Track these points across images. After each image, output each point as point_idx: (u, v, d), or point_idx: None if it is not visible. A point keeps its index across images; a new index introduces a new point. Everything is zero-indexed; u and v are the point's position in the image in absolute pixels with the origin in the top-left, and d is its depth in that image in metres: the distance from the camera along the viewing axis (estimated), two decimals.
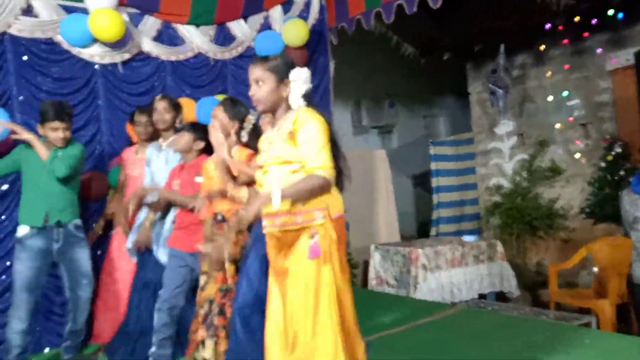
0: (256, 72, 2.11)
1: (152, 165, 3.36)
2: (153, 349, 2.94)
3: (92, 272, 3.28)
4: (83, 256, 3.24)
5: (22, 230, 3.11)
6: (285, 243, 2.06)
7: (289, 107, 2.14)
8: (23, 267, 3.06)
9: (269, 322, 2.09)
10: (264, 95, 2.11)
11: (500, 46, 5.80)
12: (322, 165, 2.00)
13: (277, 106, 2.14)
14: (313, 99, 2.21)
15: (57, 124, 3.11)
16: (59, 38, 3.80)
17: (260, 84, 2.10)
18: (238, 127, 2.75)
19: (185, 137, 3.06)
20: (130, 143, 3.77)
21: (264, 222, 2.11)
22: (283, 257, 2.07)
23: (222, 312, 2.71)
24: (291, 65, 2.13)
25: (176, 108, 3.44)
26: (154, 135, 3.54)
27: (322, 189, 2.01)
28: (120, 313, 3.45)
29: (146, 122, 3.54)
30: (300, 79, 2.12)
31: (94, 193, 3.81)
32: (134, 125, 3.63)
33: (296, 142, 2.04)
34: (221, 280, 2.70)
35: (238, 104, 2.84)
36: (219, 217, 2.73)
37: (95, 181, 3.81)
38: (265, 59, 2.13)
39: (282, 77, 2.11)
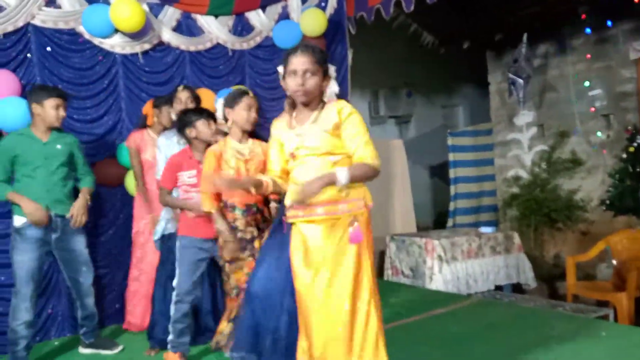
0: (306, 63, 2.08)
1: (162, 153, 3.36)
2: (171, 336, 2.99)
3: (90, 258, 3.29)
4: (81, 246, 3.24)
5: (20, 220, 3.03)
6: (327, 231, 2.11)
7: (321, 101, 2.18)
8: (25, 258, 3.01)
9: (306, 308, 2.10)
10: (314, 87, 2.11)
11: (523, 35, 5.71)
12: (372, 155, 2.08)
13: (315, 99, 2.16)
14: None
15: (59, 101, 3.09)
16: (80, 29, 3.86)
17: (309, 76, 2.09)
18: None
19: (213, 127, 3.09)
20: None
21: (301, 212, 2.13)
22: (323, 245, 2.10)
23: None
24: (327, 62, 2.22)
25: (197, 100, 3.47)
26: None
27: (371, 177, 2.10)
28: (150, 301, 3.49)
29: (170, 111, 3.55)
30: (333, 75, 2.21)
31: (108, 180, 3.87)
32: (160, 112, 3.60)
33: (340, 133, 2.10)
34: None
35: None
36: (254, 209, 2.86)
37: (111, 169, 3.87)
38: (313, 50, 2.12)
39: (325, 71, 2.17)
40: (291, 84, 2.10)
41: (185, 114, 3.10)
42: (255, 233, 2.86)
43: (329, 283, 2.07)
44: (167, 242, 3.29)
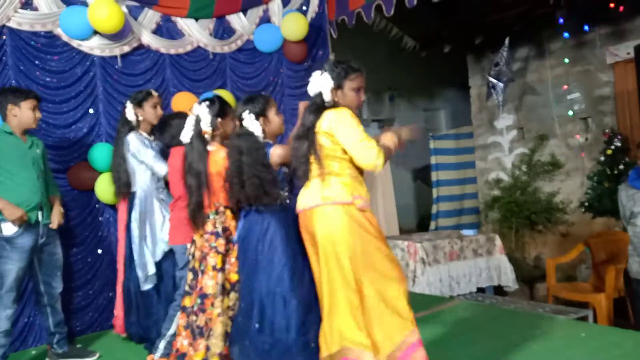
0: (364, 81, 2.33)
1: (139, 157, 3.33)
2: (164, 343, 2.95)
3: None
4: (59, 249, 3.23)
5: (9, 228, 2.95)
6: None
7: None
8: (14, 267, 2.96)
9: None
10: None
11: (505, 39, 5.78)
12: None
13: None
14: None
15: (36, 102, 3.06)
16: (58, 31, 3.80)
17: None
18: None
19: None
20: None
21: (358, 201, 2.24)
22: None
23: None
24: None
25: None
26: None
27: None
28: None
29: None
30: None
31: (84, 184, 3.81)
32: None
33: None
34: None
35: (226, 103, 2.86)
36: None
37: (87, 173, 3.81)
38: None
39: None
40: (358, 99, 2.34)
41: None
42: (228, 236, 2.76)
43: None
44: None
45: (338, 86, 2.27)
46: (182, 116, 3.09)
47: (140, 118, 3.42)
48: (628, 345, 3.00)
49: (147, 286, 3.28)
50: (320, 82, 2.28)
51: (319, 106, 2.29)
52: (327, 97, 2.27)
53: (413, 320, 2.24)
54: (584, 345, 3.06)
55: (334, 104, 2.28)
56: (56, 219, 3.17)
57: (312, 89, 2.30)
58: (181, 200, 2.89)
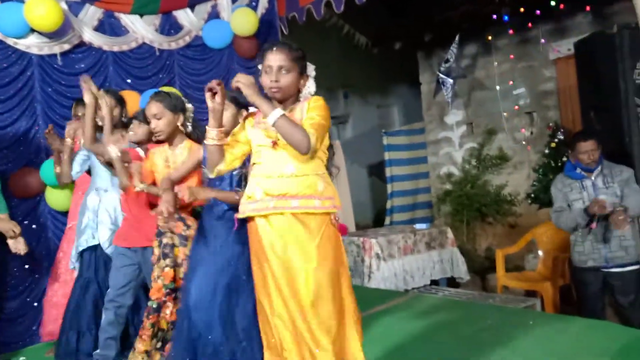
0: (281, 59, 2.03)
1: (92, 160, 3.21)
2: (97, 350, 2.86)
3: None
4: None
5: None
6: (309, 226, 2.03)
7: (297, 100, 2.13)
8: None
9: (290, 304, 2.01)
10: (288, 85, 2.05)
11: (456, 36, 5.89)
12: (313, 132, 1.97)
13: (290, 97, 2.11)
14: None
15: None
16: None
17: (284, 73, 2.03)
18: (183, 119, 2.71)
19: (144, 128, 2.95)
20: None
21: (275, 203, 2.02)
22: (307, 241, 2.02)
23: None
24: (306, 60, 2.15)
25: (121, 102, 3.32)
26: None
27: (297, 142, 1.96)
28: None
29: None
30: (312, 75, 2.18)
31: (27, 191, 3.65)
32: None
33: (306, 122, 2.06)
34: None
35: (173, 96, 2.78)
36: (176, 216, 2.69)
37: (29, 178, 3.65)
38: (289, 47, 2.07)
39: (303, 70, 2.11)
40: (265, 80, 2.05)
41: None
42: (176, 241, 2.72)
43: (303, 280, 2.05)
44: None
45: (260, 69, 2.10)
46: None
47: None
48: (573, 331, 3.11)
49: None
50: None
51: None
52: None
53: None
54: (531, 333, 3.15)
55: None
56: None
57: None
58: None
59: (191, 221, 2.71)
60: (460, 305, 4.12)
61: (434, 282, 5.18)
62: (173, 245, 2.69)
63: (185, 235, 2.68)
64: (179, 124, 2.72)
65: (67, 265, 3.47)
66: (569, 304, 4.48)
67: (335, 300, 2.04)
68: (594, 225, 3.25)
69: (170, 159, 2.75)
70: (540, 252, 4.87)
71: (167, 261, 2.67)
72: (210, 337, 2.30)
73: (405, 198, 7.00)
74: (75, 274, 3.30)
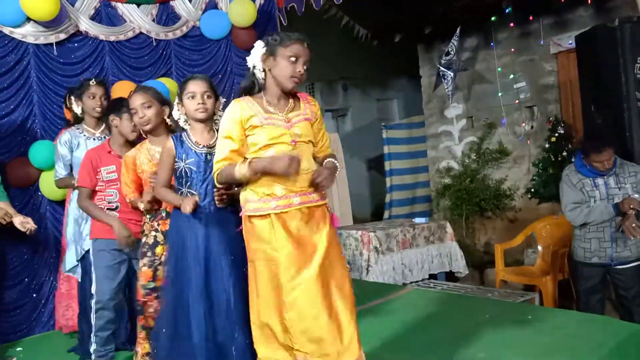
0: (308, 52, 2.09)
1: (77, 151, 3.15)
2: (95, 346, 2.80)
3: None
4: None
5: None
6: (313, 218, 2.09)
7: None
8: None
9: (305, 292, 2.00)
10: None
11: (456, 28, 5.84)
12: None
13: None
14: None
15: None
16: None
17: (306, 67, 2.09)
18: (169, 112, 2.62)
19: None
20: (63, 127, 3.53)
21: (297, 199, 2.05)
22: (311, 232, 2.06)
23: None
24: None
25: (108, 98, 3.26)
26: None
27: None
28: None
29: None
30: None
31: (24, 181, 3.61)
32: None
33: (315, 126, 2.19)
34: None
35: (156, 90, 2.72)
36: (162, 214, 2.59)
37: (26, 168, 3.60)
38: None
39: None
40: (289, 69, 2.07)
41: (119, 101, 2.93)
42: (160, 239, 2.59)
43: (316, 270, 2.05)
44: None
45: (270, 53, 2.08)
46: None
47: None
48: (571, 325, 3.10)
49: None
50: (254, 52, 2.13)
51: (236, 94, 2.22)
52: (258, 67, 2.11)
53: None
54: (530, 328, 3.13)
55: (263, 82, 2.13)
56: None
57: (249, 61, 2.15)
58: None
59: None
60: (458, 299, 4.11)
61: (433, 277, 5.16)
62: (155, 244, 2.59)
63: None
64: (165, 116, 2.65)
65: None
66: (568, 298, 4.47)
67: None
68: (628, 221, 3.14)
69: (155, 156, 2.62)
70: (539, 247, 4.85)
71: (145, 260, 2.58)
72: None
73: (404, 192, 6.98)
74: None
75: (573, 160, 3.53)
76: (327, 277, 2.03)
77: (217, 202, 2.30)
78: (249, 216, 2.08)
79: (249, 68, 2.15)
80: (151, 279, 2.57)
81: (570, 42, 5.32)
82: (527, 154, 5.95)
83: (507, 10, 5.56)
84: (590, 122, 4.10)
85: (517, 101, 5.93)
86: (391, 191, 6.90)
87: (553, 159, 5.36)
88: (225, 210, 2.33)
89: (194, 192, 2.34)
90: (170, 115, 2.62)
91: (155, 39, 4.29)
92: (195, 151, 2.36)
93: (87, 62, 3.93)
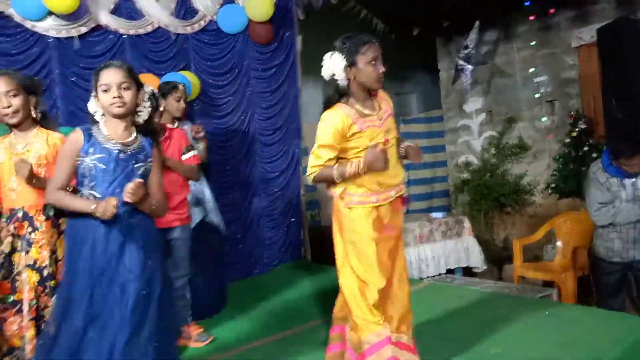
0: (380, 49, 2.25)
1: None
2: None
3: None
4: None
5: None
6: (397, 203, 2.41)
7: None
8: None
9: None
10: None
11: (476, 22, 5.77)
12: None
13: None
14: None
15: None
16: (10, 11, 3.64)
17: (383, 63, 2.25)
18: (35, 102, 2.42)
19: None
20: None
21: (392, 192, 2.33)
22: (395, 220, 2.39)
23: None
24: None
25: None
26: None
27: None
28: None
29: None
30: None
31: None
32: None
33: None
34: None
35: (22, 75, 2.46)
36: (19, 214, 2.30)
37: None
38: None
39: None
40: (374, 73, 2.30)
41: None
42: (18, 245, 2.27)
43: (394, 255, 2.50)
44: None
45: (351, 63, 2.17)
46: None
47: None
48: (589, 322, 3.06)
49: None
50: (331, 64, 2.18)
51: (327, 103, 2.30)
52: (341, 77, 2.18)
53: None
54: (547, 323, 3.10)
55: (348, 88, 2.23)
56: None
57: (325, 73, 2.22)
58: None
59: (40, 222, 2.30)
60: (475, 293, 4.07)
61: (450, 271, 5.13)
62: (12, 252, 2.28)
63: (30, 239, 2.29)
64: (31, 106, 2.35)
65: None
66: (587, 295, 4.40)
67: None
68: None
69: (20, 147, 2.31)
70: (559, 243, 4.79)
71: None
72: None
73: (422, 186, 6.94)
74: None
75: (594, 155, 3.48)
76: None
77: (129, 195, 1.93)
78: (350, 207, 2.28)
79: (328, 78, 2.25)
80: (9, 292, 2.24)
81: (592, 35, 5.22)
82: (548, 149, 5.86)
83: (526, 3, 5.47)
84: (611, 116, 4.02)
85: (537, 95, 5.84)
86: (409, 185, 6.85)
87: (574, 154, 5.26)
88: (136, 214, 2.03)
89: (97, 195, 1.98)
90: (36, 107, 2.35)
91: (174, 33, 4.33)
92: (105, 146, 2.00)
93: (107, 55, 3.99)
